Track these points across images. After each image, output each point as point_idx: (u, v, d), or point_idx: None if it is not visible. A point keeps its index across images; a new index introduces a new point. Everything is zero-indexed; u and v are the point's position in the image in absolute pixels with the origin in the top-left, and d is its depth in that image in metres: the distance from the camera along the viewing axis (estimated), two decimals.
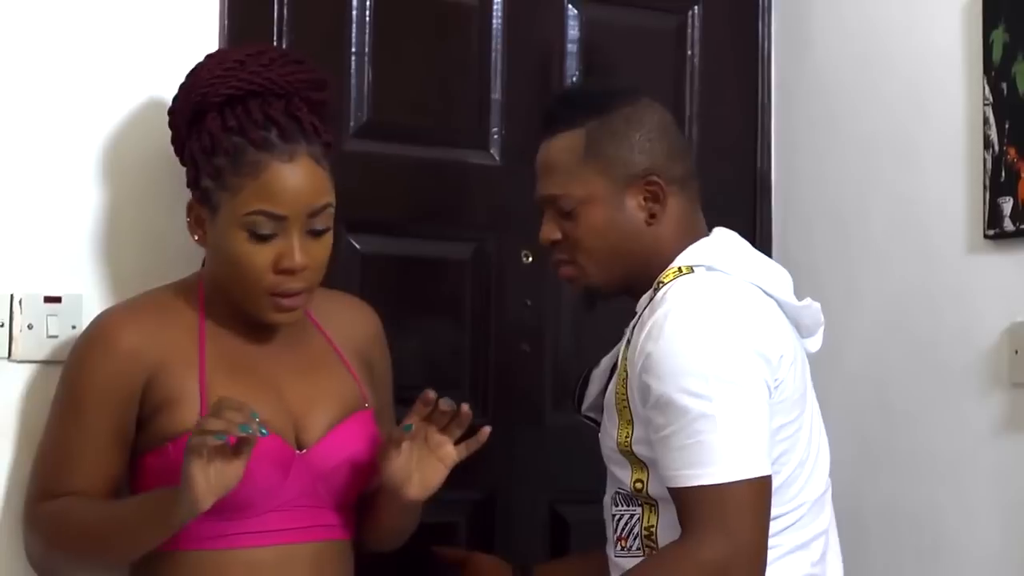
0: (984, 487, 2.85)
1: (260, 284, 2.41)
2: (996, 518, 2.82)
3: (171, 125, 2.52)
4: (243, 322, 2.49)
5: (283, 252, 2.40)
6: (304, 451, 2.45)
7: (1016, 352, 2.79)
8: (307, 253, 2.41)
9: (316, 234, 2.43)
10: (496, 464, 3.12)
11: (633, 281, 2.54)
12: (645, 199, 2.52)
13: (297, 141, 2.41)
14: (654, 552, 2.42)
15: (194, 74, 2.48)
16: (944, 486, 2.93)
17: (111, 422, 2.41)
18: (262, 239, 2.39)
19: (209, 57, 2.51)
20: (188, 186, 2.46)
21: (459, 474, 3.07)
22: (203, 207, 2.43)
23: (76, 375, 2.44)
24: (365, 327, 2.66)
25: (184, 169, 2.48)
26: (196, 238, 2.46)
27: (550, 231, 2.57)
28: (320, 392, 2.51)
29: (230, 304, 2.48)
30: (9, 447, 2.53)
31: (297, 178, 2.40)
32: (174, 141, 2.52)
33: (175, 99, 2.50)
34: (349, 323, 2.63)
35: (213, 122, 2.42)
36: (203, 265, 2.55)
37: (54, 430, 2.45)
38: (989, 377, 2.85)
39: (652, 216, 2.52)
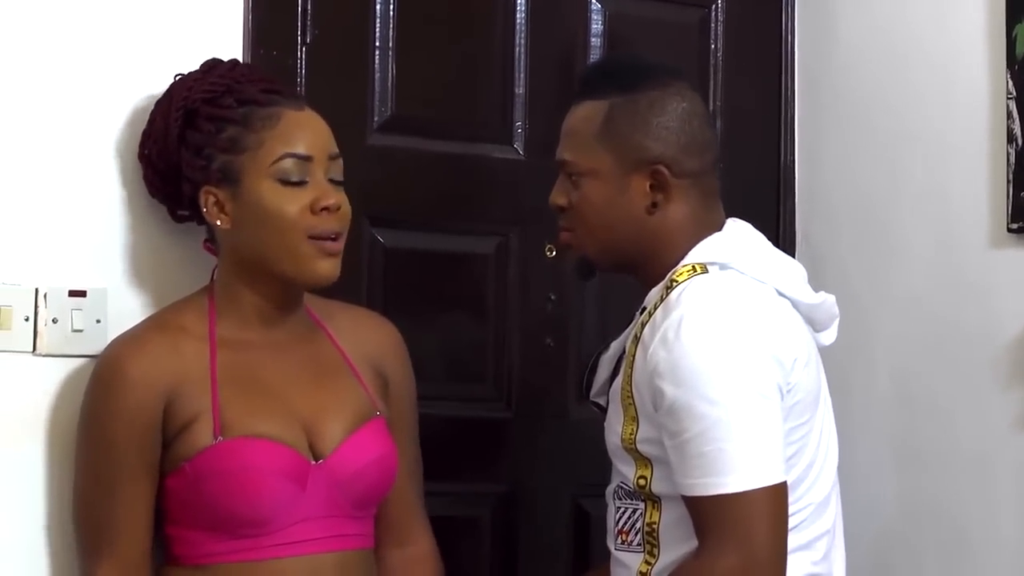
0: (1007, 480, 2.84)
1: (299, 228, 2.42)
2: (1018, 511, 2.81)
3: (156, 156, 2.52)
4: (254, 330, 2.49)
5: (317, 195, 2.44)
6: (321, 461, 2.43)
7: None
8: (336, 196, 2.46)
9: (336, 184, 2.48)
10: (520, 458, 3.13)
11: (634, 265, 2.52)
12: (651, 187, 2.48)
13: (299, 98, 2.52)
14: (676, 567, 2.37)
15: (168, 97, 2.52)
16: (967, 479, 2.92)
17: (141, 456, 2.40)
18: (294, 185, 2.43)
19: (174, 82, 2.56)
20: (197, 189, 2.47)
21: (483, 468, 3.10)
22: (221, 188, 2.45)
23: (96, 418, 2.43)
24: (380, 341, 2.63)
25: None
26: (219, 223, 2.46)
27: (557, 195, 2.55)
28: (332, 401, 2.50)
29: (243, 311, 2.48)
30: (36, 440, 2.53)
31: (312, 121, 2.49)
32: (162, 178, 2.53)
33: (149, 135, 2.53)
34: (363, 336, 2.61)
35: (208, 112, 2.47)
36: (212, 279, 2.53)
37: (88, 476, 2.44)
38: (1012, 370, 2.84)
39: (654, 205, 2.48)
